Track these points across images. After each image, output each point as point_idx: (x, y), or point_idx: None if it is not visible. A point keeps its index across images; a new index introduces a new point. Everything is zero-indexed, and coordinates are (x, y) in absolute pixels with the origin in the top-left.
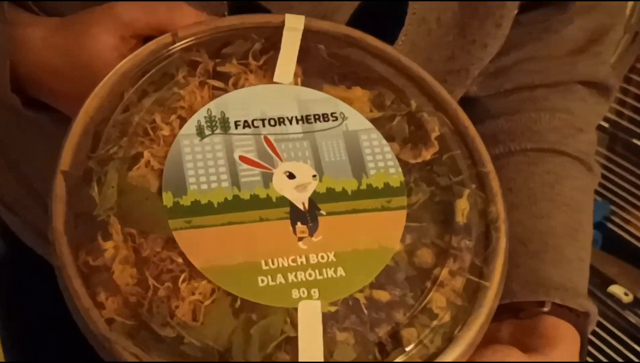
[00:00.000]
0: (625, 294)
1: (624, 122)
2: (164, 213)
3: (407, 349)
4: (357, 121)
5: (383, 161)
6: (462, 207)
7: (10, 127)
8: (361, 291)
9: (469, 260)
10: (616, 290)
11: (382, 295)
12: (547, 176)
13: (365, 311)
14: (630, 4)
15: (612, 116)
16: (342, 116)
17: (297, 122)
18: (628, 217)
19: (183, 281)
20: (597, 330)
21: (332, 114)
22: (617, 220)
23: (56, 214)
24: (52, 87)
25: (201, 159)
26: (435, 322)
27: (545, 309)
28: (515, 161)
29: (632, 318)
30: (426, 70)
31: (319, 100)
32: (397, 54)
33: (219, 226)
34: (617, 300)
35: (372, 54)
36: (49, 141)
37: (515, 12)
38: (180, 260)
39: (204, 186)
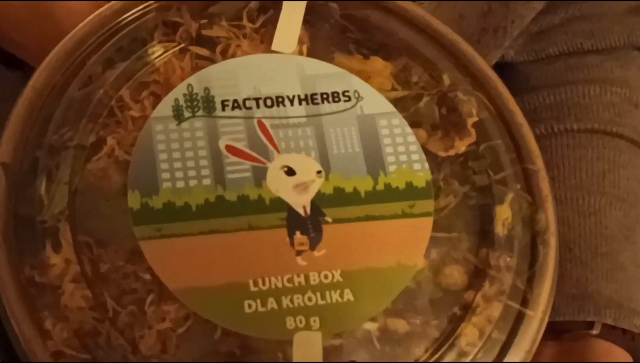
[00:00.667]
0: None
1: None
2: (129, 217)
3: None
4: (375, 102)
5: (406, 153)
6: (504, 214)
7: None
8: (373, 320)
9: (509, 281)
10: None
11: (400, 325)
12: (598, 163)
13: (378, 345)
14: None
15: None
16: (356, 95)
17: (300, 103)
18: None
19: (150, 304)
20: None
21: (344, 93)
22: None
23: None
24: (16, 40)
25: (178, 149)
26: (464, 360)
27: (595, 332)
28: (559, 144)
29: None
30: (457, 28)
31: (328, 75)
32: (428, 16)
33: (197, 235)
34: None
35: (397, 15)
36: None
37: None
38: (147, 277)
39: (180, 184)
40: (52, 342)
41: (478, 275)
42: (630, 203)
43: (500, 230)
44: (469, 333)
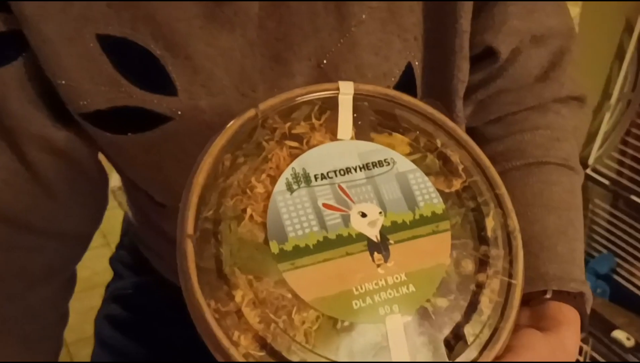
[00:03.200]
0: (627, 339)
1: (624, 181)
2: (273, 259)
3: (468, 343)
4: (403, 163)
5: (427, 194)
6: (490, 223)
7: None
8: (428, 301)
9: (500, 264)
10: (619, 335)
11: (443, 302)
12: (538, 185)
13: (433, 316)
14: (621, 75)
15: (613, 175)
16: (392, 161)
17: (361, 170)
18: (633, 270)
19: (295, 313)
20: None
21: (385, 160)
22: (622, 272)
23: (191, 274)
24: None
25: (294, 210)
26: (484, 318)
27: (548, 296)
28: (511, 176)
29: (634, 361)
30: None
31: (373, 150)
32: (425, 105)
33: (316, 264)
34: (620, 345)
35: (406, 107)
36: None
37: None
38: (289, 296)
39: (300, 232)
40: (241, 347)
41: (481, 264)
42: (563, 208)
43: (490, 233)
44: (482, 300)
